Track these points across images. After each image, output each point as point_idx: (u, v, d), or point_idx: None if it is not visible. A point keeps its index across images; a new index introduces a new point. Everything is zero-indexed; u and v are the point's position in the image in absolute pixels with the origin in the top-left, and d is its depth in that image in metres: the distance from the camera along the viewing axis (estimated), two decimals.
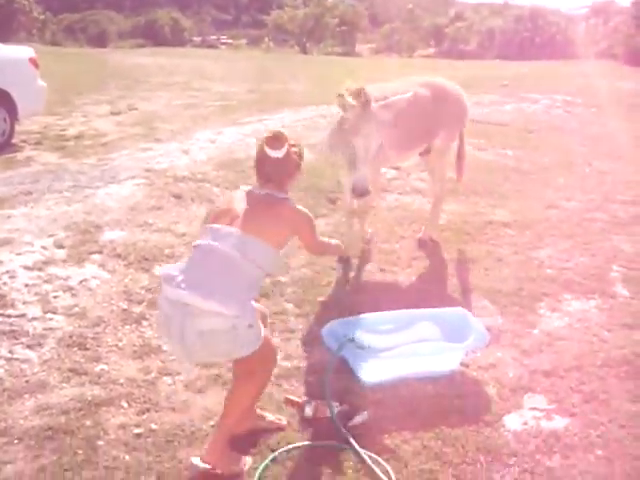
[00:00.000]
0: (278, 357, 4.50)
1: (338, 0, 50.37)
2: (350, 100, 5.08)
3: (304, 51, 41.18)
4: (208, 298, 3.13)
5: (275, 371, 4.38)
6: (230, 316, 3.16)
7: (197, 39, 53.89)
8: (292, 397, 4.13)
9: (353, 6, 52.00)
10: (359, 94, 5.10)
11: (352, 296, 5.43)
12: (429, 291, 5.58)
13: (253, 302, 3.42)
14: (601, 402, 4.29)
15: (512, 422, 4.07)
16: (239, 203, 3.50)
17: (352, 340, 4.17)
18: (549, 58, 24.57)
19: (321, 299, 5.35)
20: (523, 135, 11.11)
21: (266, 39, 40.90)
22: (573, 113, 13.13)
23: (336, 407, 3.99)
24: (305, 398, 4.11)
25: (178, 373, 4.35)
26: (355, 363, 4.31)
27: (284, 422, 3.86)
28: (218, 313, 3.15)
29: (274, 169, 3.48)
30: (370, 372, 4.29)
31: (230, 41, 52.19)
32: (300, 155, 3.60)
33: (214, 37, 55.80)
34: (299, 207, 3.58)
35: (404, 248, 6.38)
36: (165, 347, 4.58)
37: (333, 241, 4.11)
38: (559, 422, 4.10)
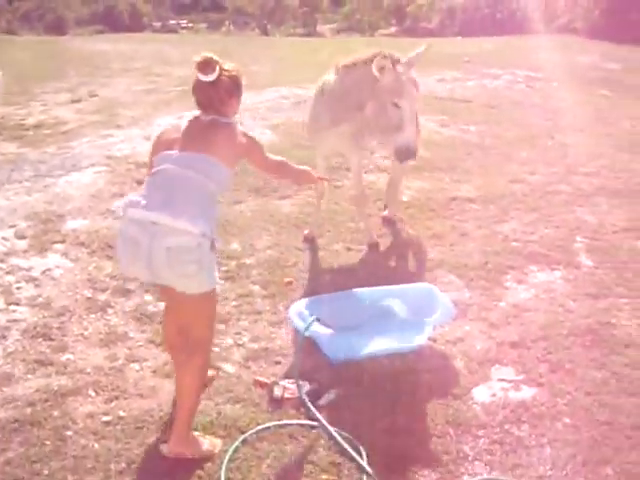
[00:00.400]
0: (245, 339, 4.55)
1: None
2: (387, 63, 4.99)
3: (265, 33, 40.83)
4: (177, 217, 3.18)
5: (243, 353, 4.43)
6: (197, 234, 3.21)
7: (157, 24, 53.16)
8: (261, 378, 4.13)
9: None
10: (391, 57, 5.06)
11: (319, 275, 5.43)
12: (396, 268, 5.61)
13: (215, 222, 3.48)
14: (567, 371, 4.35)
15: (480, 394, 4.12)
16: (187, 129, 3.51)
17: (319, 319, 4.17)
18: (510, 34, 24.59)
19: (287, 279, 5.33)
20: (486, 111, 11.11)
21: (226, 22, 40.51)
22: (535, 88, 13.15)
23: (305, 386, 4.00)
24: (273, 379, 4.11)
25: (145, 359, 4.34)
26: (323, 342, 4.31)
27: (216, 450, 3.62)
28: (186, 231, 3.20)
29: (208, 94, 3.46)
30: (338, 350, 4.29)
31: (190, 25, 51.62)
32: (234, 81, 3.52)
33: (174, 22, 55.10)
34: (245, 130, 3.61)
35: (370, 226, 6.36)
36: (131, 334, 4.56)
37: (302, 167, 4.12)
38: (527, 392, 4.15)
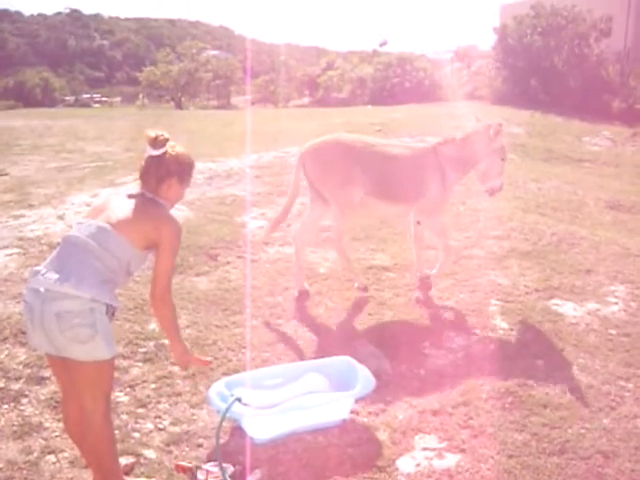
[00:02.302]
0: (166, 422, 4.46)
1: (211, 55, 50.84)
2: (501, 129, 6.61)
3: (179, 106, 41.13)
4: (64, 281, 3.24)
5: (164, 437, 4.33)
6: (86, 299, 3.25)
7: (70, 98, 52.95)
8: (183, 463, 4.03)
9: (227, 59, 52.53)
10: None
11: (239, 353, 5.38)
12: (315, 341, 5.60)
13: (113, 290, 3.48)
14: (489, 435, 4.41)
15: (405, 465, 4.13)
16: (115, 201, 3.58)
17: (239, 399, 4.13)
18: (419, 102, 25.44)
19: (207, 358, 5.26)
20: None
21: (140, 96, 40.63)
22: None
23: (229, 469, 3.93)
24: (196, 463, 4.02)
25: (62, 450, 4.19)
26: (244, 422, 4.26)
27: None
28: (74, 295, 3.24)
29: (150, 168, 3.57)
30: (260, 429, 4.25)
31: (104, 99, 51.59)
32: (179, 161, 3.63)
33: (87, 96, 54.99)
34: (173, 216, 3.63)
35: (288, 300, 6.39)
36: (46, 424, 4.41)
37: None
38: (450, 460, 4.18)
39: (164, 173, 3.59)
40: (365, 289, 6.59)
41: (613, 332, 5.94)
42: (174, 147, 3.63)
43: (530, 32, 25.54)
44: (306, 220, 6.71)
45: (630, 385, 5.08)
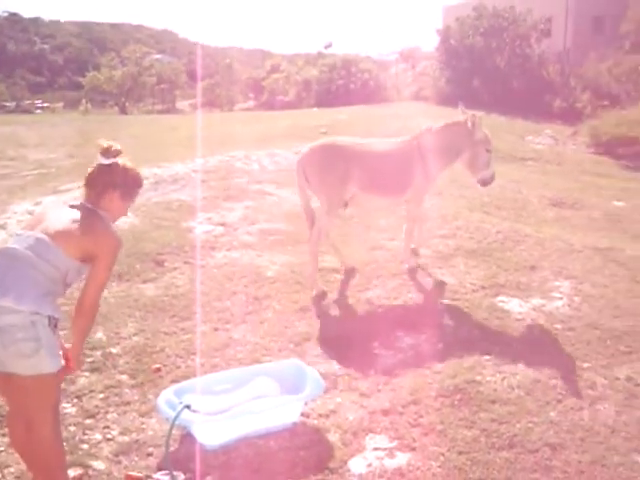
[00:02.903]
0: (115, 432, 4.40)
1: (155, 59, 50.38)
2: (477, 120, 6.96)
3: (124, 111, 40.67)
4: (3, 296, 3.19)
5: (113, 447, 4.27)
6: (27, 312, 3.21)
7: (10, 104, 51.93)
8: (133, 473, 4.00)
9: (171, 63, 52.14)
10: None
11: (188, 359, 5.33)
12: (264, 345, 5.58)
13: (54, 301, 3.44)
14: (439, 433, 4.46)
15: (357, 465, 4.15)
16: (53, 212, 3.54)
17: (188, 406, 4.10)
18: (364, 103, 25.56)
19: (156, 366, 5.21)
20: None
21: (83, 101, 40.03)
22: None
23: (180, 477, 3.90)
24: (146, 472, 3.98)
25: (7, 465, 4.10)
26: (194, 429, 4.22)
27: None
28: (14, 309, 3.19)
29: (97, 176, 3.56)
30: (211, 436, 4.22)
31: (46, 105, 50.68)
32: (127, 175, 3.63)
33: (29, 101, 54.00)
34: (114, 230, 3.59)
35: (236, 304, 6.35)
36: None
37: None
38: (401, 459, 4.22)
39: (109, 184, 3.56)
40: (323, 294, 6.58)
41: (558, 327, 6.05)
42: (126, 162, 3.62)
43: (472, 33, 25.91)
44: (323, 222, 6.86)
45: (575, 378, 5.17)
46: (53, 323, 3.34)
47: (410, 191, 6.99)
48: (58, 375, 3.43)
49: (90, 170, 3.61)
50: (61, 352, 3.54)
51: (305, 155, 6.82)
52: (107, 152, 3.56)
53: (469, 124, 6.95)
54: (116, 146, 3.59)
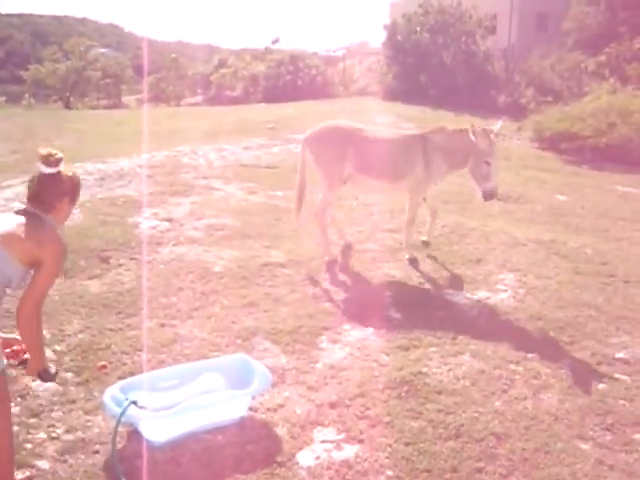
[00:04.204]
0: (60, 430, 4.33)
1: (100, 53, 49.53)
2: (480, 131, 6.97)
3: (68, 106, 39.86)
4: None
5: (58, 446, 4.20)
6: None
7: None
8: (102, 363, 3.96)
9: (116, 58, 51.34)
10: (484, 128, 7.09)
11: (134, 356, 5.28)
12: (211, 340, 5.55)
13: None
14: (386, 424, 4.50)
15: (305, 458, 4.16)
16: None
17: (134, 402, 4.05)
18: (312, 99, 25.57)
19: (101, 363, 5.13)
20: (292, 175, 11.33)
21: (26, 95, 39.18)
22: None
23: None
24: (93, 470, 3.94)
25: None
26: (141, 425, 4.18)
27: None
28: None
29: (42, 186, 3.45)
30: (158, 432, 4.19)
31: None
32: (72, 183, 3.55)
33: None
34: (59, 236, 3.50)
35: (183, 300, 6.31)
36: None
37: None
38: (349, 451, 4.24)
39: (59, 192, 3.48)
40: (350, 246, 7.73)
41: (503, 319, 6.15)
42: (67, 168, 3.54)
43: (419, 29, 26.08)
44: (327, 195, 7.58)
45: (520, 368, 5.27)
46: None
47: (407, 182, 7.38)
48: (2, 375, 3.35)
49: (33, 182, 3.48)
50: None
51: (310, 133, 7.56)
52: (48, 160, 3.43)
53: (470, 134, 7.00)
54: (57, 153, 3.47)
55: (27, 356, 3.54)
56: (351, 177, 7.42)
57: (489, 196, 7.25)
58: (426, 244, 7.84)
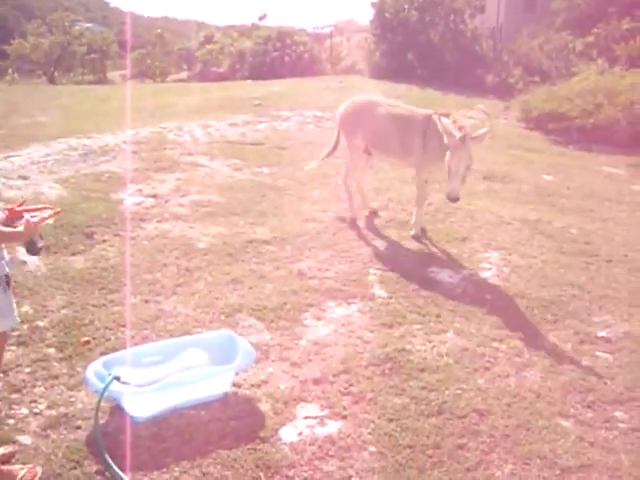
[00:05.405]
0: (42, 406, 4.31)
1: (85, 28, 48.97)
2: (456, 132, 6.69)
3: (52, 81, 39.51)
4: None
5: (40, 421, 4.20)
6: None
7: None
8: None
9: (102, 33, 50.80)
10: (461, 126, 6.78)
11: (117, 332, 5.26)
12: (195, 317, 5.54)
13: None
14: (369, 401, 4.53)
15: (288, 434, 4.18)
16: None
17: (117, 378, 4.04)
18: (299, 76, 25.46)
19: (85, 339, 5.11)
20: (278, 152, 11.38)
21: (10, 70, 38.76)
22: (324, 127, 13.63)
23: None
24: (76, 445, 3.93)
25: None
26: (124, 400, 4.17)
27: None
28: None
29: None
30: (141, 407, 4.19)
31: None
32: None
33: None
34: None
35: (167, 276, 6.29)
36: None
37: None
38: (332, 427, 4.27)
39: None
40: (375, 213, 8.25)
41: (487, 297, 6.18)
42: None
43: (407, 7, 25.91)
44: (348, 164, 8.20)
45: (503, 346, 5.31)
46: (6, 283, 3.29)
47: (411, 160, 7.57)
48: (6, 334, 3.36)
49: None
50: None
51: (340, 107, 8.19)
52: None
53: (439, 126, 6.84)
54: None
55: (27, 216, 3.45)
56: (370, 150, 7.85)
57: (449, 196, 6.81)
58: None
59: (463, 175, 6.79)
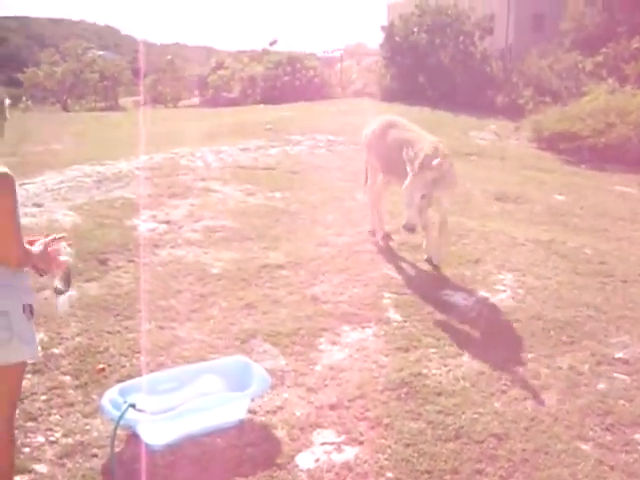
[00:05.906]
0: (58, 434, 4.31)
1: (98, 55, 49.44)
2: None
3: (66, 108, 39.84)
4: None
5: (56, 450, 4.18)
6: None
7: None
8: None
9: (114, 60, 51.27)
10: (433, 155, 6.67)
11: (133, 359, 5.26)
12: (210, 342, 5.53)
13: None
14: (386, 426, 4.50)
15: (304, 461, 4.16)
16: None
17: (133, 405, 4.04)
18: (310, 100, 25.57)
19: (100, 366, 5.11)
20: (290, 177, 11.40)
21: (24, 98, 39.10)
22: (335, 151, 13.69)
23: None
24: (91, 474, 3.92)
25: None
26: (139, 428, 4.16)
27: None
28: None
29: None
30: (156, 435, 4.17)
31: None
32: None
33: None
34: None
35: (181, 302, 6.29)
36: None
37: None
38: (349, 453, 4.24)
39: None
40: (388, 236, 8.15)
41: (502, 319, 6.15)
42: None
43: (416, 30, 26.04)
44: (371, 180, 8.39)
45: (520, 369, 5.28)
46: (29, 312, 3.31)
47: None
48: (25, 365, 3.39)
49: None
50: None
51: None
52: None
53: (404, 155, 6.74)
54: None
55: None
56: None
57: (404, 229, 6.73)
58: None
59: (419, 205, 6.64)
